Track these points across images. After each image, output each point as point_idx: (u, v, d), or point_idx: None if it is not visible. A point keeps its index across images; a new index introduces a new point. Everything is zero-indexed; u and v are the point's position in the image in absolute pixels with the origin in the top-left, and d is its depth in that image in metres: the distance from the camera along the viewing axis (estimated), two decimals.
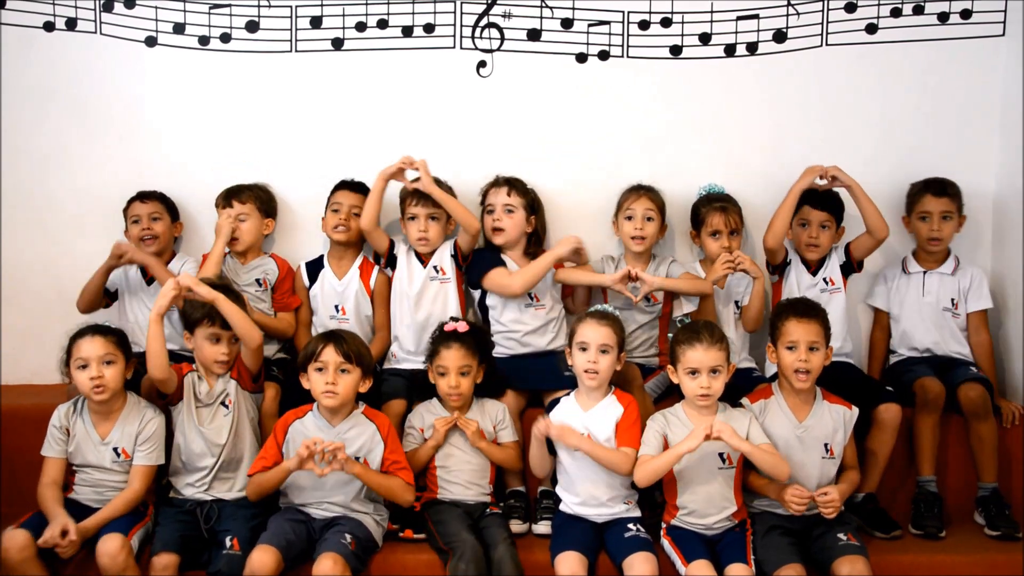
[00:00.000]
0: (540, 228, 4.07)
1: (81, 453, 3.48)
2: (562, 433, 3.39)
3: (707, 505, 3.37)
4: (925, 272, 4.05)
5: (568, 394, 3.56)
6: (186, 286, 3.40)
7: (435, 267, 3.97)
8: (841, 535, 3.33)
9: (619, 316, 3.60)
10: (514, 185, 4.00)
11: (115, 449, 3.47)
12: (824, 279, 4.02)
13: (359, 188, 4.04)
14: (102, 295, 3.99)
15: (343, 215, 3.99)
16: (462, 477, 3.57)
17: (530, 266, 3.92)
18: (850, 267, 4.05)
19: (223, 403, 3.55)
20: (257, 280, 4.00)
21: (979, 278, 4.04)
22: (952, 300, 4.02)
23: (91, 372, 3.42)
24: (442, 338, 3.63)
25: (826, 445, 3.46)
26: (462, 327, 3.64)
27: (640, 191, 4.03)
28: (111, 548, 3.24)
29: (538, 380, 3.80)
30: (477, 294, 4.02)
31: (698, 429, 3.26)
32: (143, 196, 4.05)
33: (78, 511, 3.41)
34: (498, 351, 3.87)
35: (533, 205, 4.04)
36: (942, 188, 4.01)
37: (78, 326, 3.55)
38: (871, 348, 4.17)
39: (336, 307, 3.99)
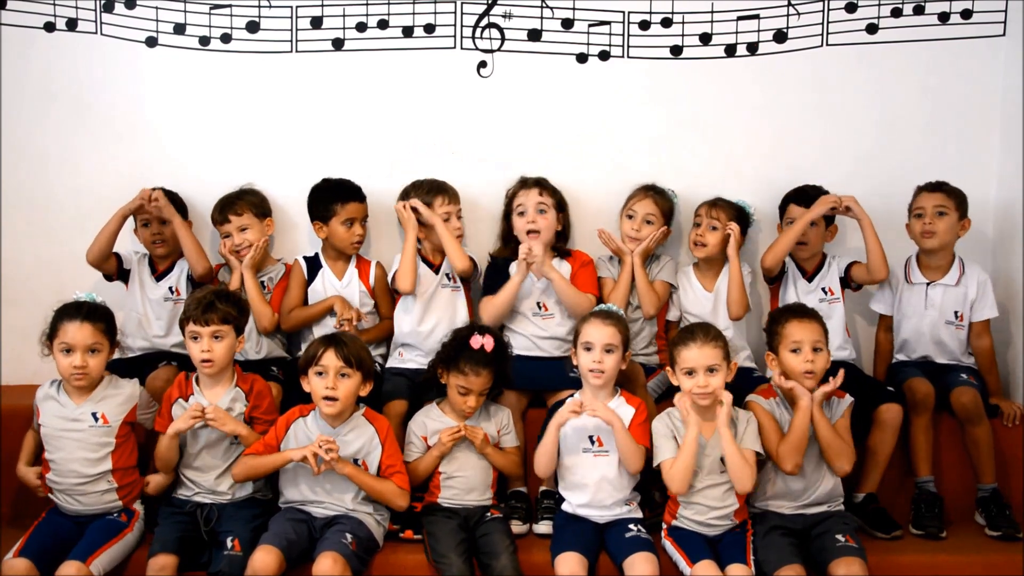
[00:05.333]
0: (566, 226, 4.04)
1: (53, 427, 3.41)
2: (596, 405, 3.36)
3: (706, 507, 3.37)
4: (929, 284, 3.94)
5: (572, 395, 3.54)
6: (210, 419, 3.39)
7: (447, 274, 3.95)
8: (839, 536, 3.33)
9: (623, 315, 3.59)
10: (544, 185, 3.97)
11: (93, 414, 3.41)
12: (823, 288, 4.00)
13: (360, 195, 4.03)
14: (111, 251, 3.93)
15: (358, 228, 3.99)
16: (465, 483, 3.54)
17: (495, 298, 3.84)
18: (847, 284, 4.02)
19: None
20: (262, 282, 3.99)
21: (985, 286, 3.93)
22: (956, 313, 3.92)
23: (75, 360, 3.37)
24: (470, 357, 3.51)
25: None
26: (489, 344, 3.52)
27: (647, 192, 4.02)
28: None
29: (542, 381, 3.79)
30: None
31: (689, 419, 3.30)
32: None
33: (58, 519, 3.41)
34: None
35: (561, 203, 4.01)
36: (937, 185, 3.93)
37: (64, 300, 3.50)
38: (876, 349, 4.13)
39: None
